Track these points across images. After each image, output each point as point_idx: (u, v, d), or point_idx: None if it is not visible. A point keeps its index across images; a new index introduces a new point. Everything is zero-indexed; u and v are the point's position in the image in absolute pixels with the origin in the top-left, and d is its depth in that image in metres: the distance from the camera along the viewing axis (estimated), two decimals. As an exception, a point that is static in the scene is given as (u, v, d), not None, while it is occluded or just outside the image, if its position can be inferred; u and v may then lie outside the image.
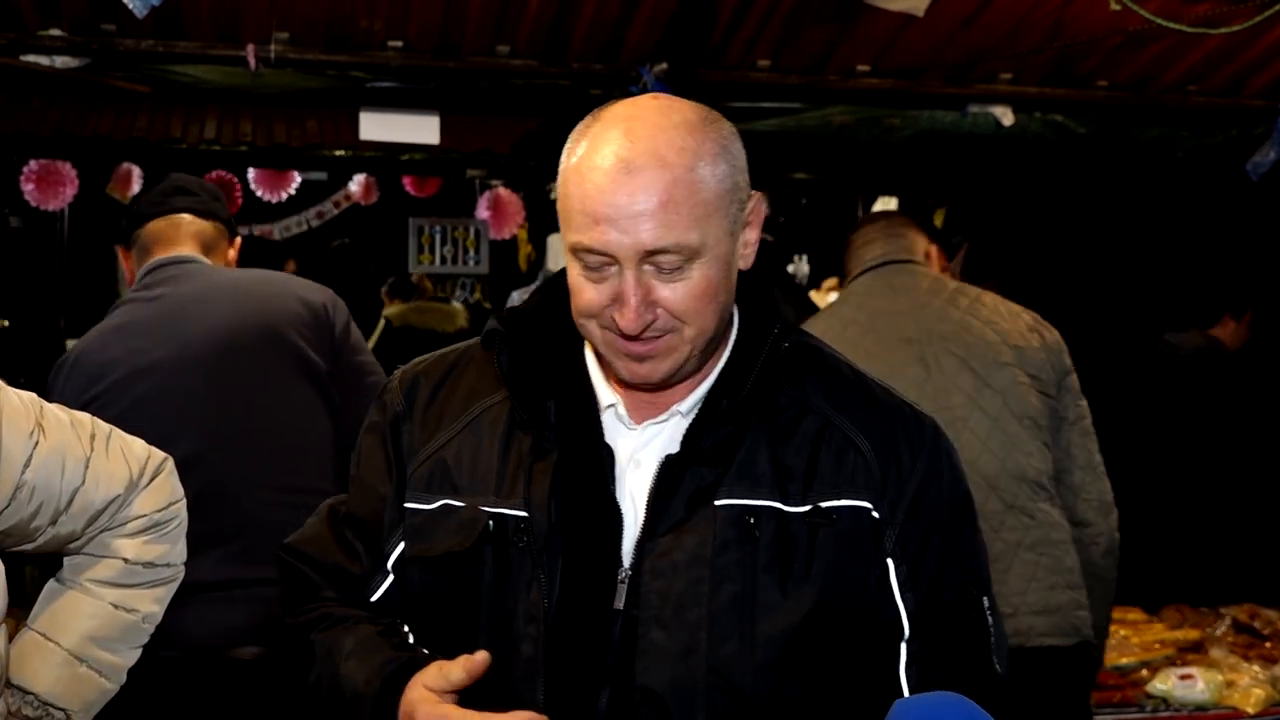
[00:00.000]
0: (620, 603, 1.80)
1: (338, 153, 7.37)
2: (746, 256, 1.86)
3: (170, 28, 5.24)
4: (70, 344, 3.97)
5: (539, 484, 1.84)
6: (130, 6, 4.66)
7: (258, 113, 7.33)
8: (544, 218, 9.95)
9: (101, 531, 2.24)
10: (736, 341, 1.92)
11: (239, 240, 3.63)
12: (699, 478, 1.82)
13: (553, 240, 10.32)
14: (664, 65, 5.51)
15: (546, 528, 1.82)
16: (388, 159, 7.40)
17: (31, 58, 5.30)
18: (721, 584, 1.78)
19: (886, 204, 9.36)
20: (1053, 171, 6.97)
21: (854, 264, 4.27)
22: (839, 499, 1.83)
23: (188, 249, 3.45)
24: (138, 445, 2.31)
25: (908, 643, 1.84)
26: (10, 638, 2.10)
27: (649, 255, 1.74)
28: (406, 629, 1.95)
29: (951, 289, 3.92)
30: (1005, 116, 6.14)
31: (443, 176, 9.24)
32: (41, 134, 7.05)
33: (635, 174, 1.72)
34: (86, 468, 2.16)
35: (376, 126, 5.94)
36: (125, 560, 2.26)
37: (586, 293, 1.80)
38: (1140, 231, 8.05)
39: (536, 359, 1.91)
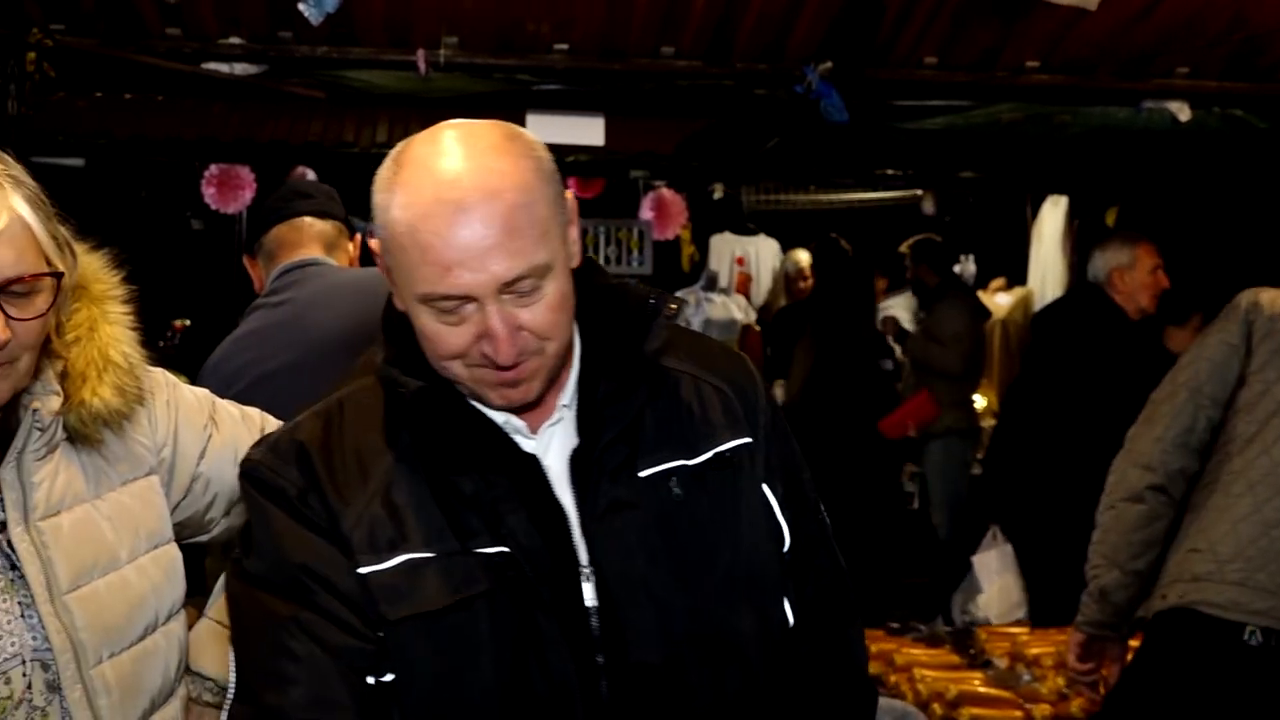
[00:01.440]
0: (590, 599, 1.80)
1: (505, 155, 7.46)
2: (575, 254, 1.84)
3: (344, 34, 5.37)
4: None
5: (509, 514, 1.79)
6: (306, 14, 4.80)
7: (427, 116, 7.40)
8: (707, 218, 9.97)
9: None
10: (582, 326, 1.93)
11: (359, 237, 3.66)
12: (613, 458, 1.85)
13: (715, 241, 10.34)
14: (829, 64, 5.48)
15: (534, 553, 1.79)
16: (554, 160, 7.46)
17: (212, 65, 5.48)
18: (672, 545, 1.84)
19: (1056, 203, 9.18)
20: (1232, 168, 6.77)
21: None
22: (730, 440, 1.93)
23: (312, 251, 3.48)
24: None
25: (785, 557, 1.99)
26: (189, 626, 2.18)
27: (506, 286, 1.70)
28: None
29: None
30: (1182, 112, 5.98)
31: (606, 178, 9.30)
32: (222, 139, 7.27)
33: (470, 211, 1.68)
34: None
35: (542, 129, 6.00)
36: None
37: (448, 338, 1.75)
38: (1325, 230, 7.77)
39: (435, 413, 1.82)
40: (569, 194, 1.84)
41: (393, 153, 1.80)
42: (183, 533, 2.14)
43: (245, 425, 2.24)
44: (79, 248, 1.97)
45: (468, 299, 1.71)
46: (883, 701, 3.71)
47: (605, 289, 1.94)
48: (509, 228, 1.69)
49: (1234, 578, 3.15)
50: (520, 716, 1.79)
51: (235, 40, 5.42)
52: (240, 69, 5.51)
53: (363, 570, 1.79)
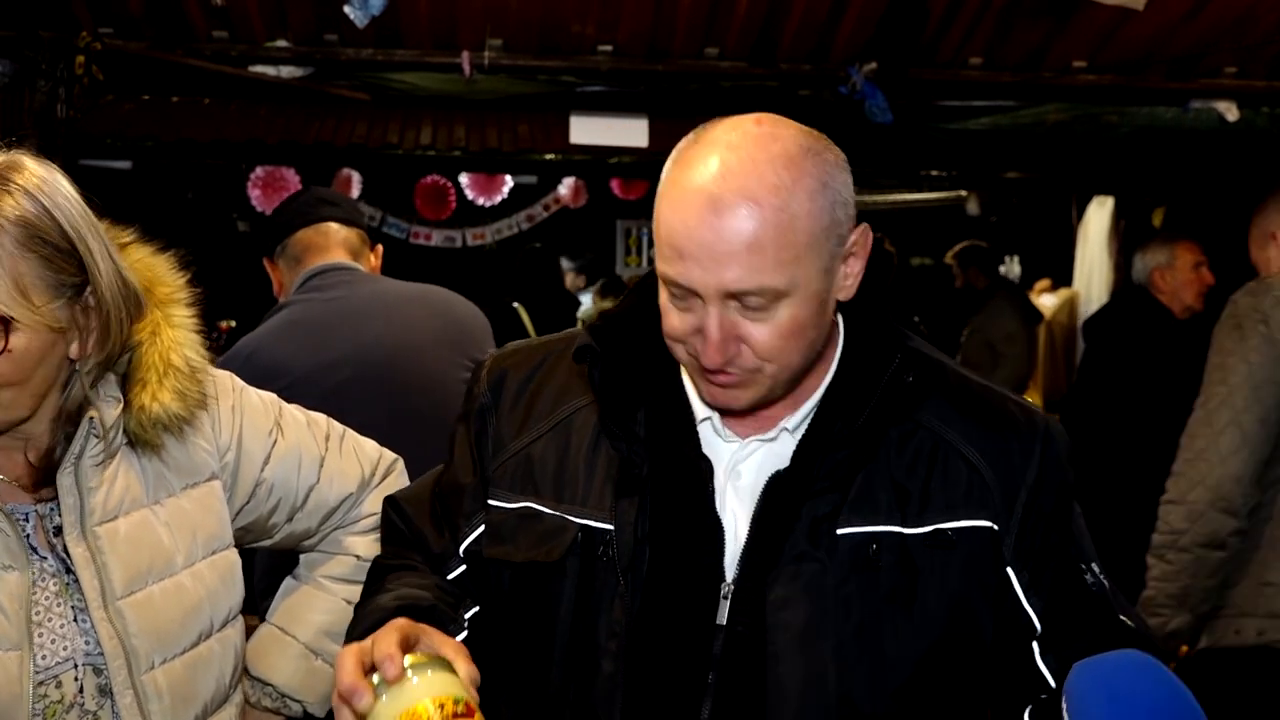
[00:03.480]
0: (723, 618, 1.75)
1: (548, 156, 7.48)
2: (847, 288, 1.75)
3: (389, 37, 5.40)
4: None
5: (627, 497, 1.78)
6: (352, 16, 4.82)
7: (471, 118, 7.49)
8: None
9: (335, 529, 2.31)
10: (844, 358, 1.84)
11: (380, 248, 3.68)
12: (818, 506, 1.74)
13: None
14: (873, 65, 5.46)
15: (633, 542, 1.76)
16: (597, 162, 7.48)
17: (259, 68, 5.52)
18: (848, 615, 1.71)
19: (1103, 204, 9.11)
20: (1281, 168, 6.70)
21: None
22: (959, 520, 1.76)
23: (340, 256, 3.46)
24: (369, 445, 2.37)
25: (1039, 639, 1.79)
26: (248, 632, 2.19)
27: (732, 295, 1.65)
28: (468, 613, 1.91)
29: None
30: (1230, 112, 5.92)
31: (650, 179, 9.31)
32: (268, 141, 7.32)
33: (722, 212, 1.62)
34: (321, 466, 2.23)
35: (587, 130, 6.02)
36: (357, 557, 2.31)
37: (672, 318, 1.73)
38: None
39: (629, 371, 1.83)
40: (862, 228, 1.75)
41: (701, 127, 1.75)
42: (245, 538, 2.15)
43: (311, 431, 2.24)
44: (141, 250, 1.98)
45: (694, 292, 1.67)
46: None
47: (893, 337, 1.84)
48: (754, 242, 1.62)
49: None
50: (567, 700, 1.78)
51: (281, 43, 5.45)
52: (286, 72, 5.54)
53: (491, 502, 1.88)
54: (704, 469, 1.79)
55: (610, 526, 1.78)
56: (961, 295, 8.64)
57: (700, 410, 1.82)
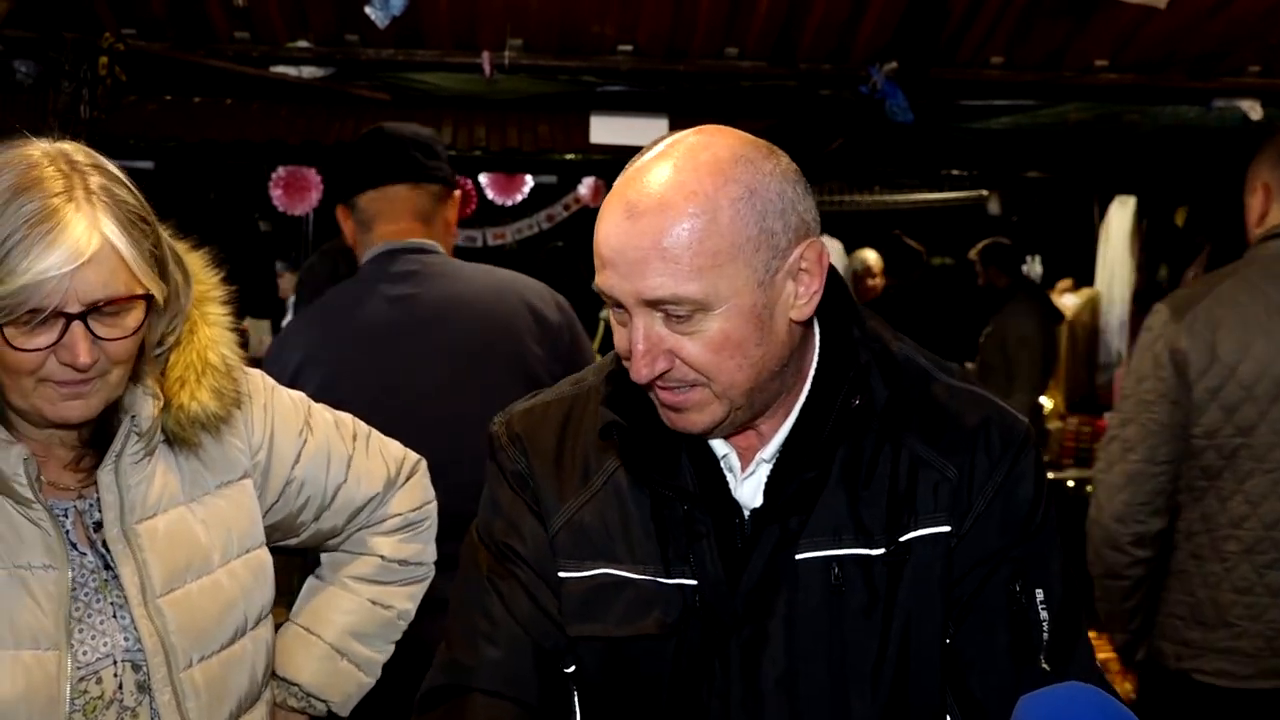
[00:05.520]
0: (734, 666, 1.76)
1: (568, 156, 7.49)
2: (800, 307, 1.69)
3: (409, 37, 5.41)
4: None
5: (704, 551, 1.74)
6: (373, 17, 4.83)
7: (491, 118, 7.51)
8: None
9: (360, 529, 2.32)
10: (819, 372, 1.79)
11: (458, 195, 3.50)
12: (779, 531, 1.73)
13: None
14: (894, 64, 5.45)
15: (722, 597, 1.73)
16: (617, 162, 7.46)
17: (280, 69, 5.53)
18: (816, 639, 1.72)
19: (1125, 204, 9.08)
20: (1305, 168, 6.66)
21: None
22: (918, 528, 1.74)
23: (413, 230, 3.33)
24: (394, 446, 2.38)
25: (945, 650, 1.77)
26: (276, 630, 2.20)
27: (652, 304, 1.62)
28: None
29: None
30: (1254, 110, 5.88)
31: (671, 179, 9.30)
32: (289, 142, 7.34)
33: (637, 219, 1.60)
34: (349, 466, 2.24)
35: (607, 130, 6.01)
36: (382, 558, 2.33)
37: (618, 335, 1.71)
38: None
39: (655, 433, 1.77)
40: (810, 243, 1.68)
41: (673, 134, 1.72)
42: (273, 536, 2.16)
43: (339, 431, 2.26)
44: (181, 247, 1.98)
45: (619, 303, 1.65)
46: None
47: (846, 346, 1.79)
48: (666, 246, 1.59)
49: None
50: None
51: (303, 44, 5.46)
52: (307, 72, 5.55)
53: (561, 575, 1.81)
54: (737, 512, 1.78)
55: (694, 582, 1.75)
56: (983, 294, 8.63)
57: (719, 449, 1.80)
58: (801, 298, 1.69)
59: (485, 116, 7.47)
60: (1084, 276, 9.67)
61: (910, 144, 6.47)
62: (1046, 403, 8.25)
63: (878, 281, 9.13)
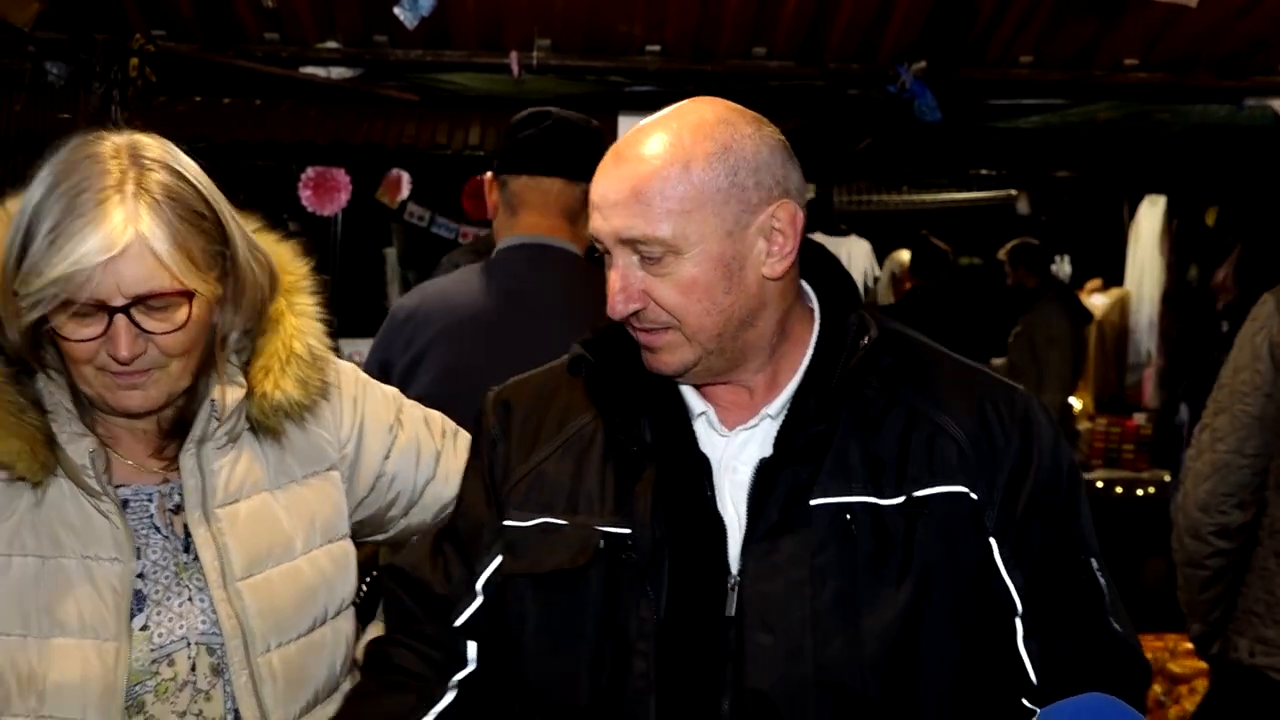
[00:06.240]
0: (731, 610, 1.77)
1: (596, 156, 7.50)
2: (771, 265, 1.79)
3: (437, 38, 5.42)
4: (345, 344, 3.82)
5: (641, 500, 1.82)
6: (401, 18, 4.85)
7: (519, 119, 7.52)
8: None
9: None
10: (819, 340, 1.89)
11: None
12: (792, 478, 1.79)
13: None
14: (922, 64, 5.44)
15: (652, 543, 1.79)
16: (644, 161, 7.48)
17: (309, 70, 5.56)
18: (823, 583, 1.75)
19: (1154, 203, 9.04)
20: (1338, 167, 6.62)
21: None
22: (933, 486, 1.79)
23: (555, 228, 3.20)
24: None
25: (1022, 617, 1.79)
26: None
27: (627, 244, 1.76)
28: (459, 676, 1.93)
29: None
30: (1285, 109, 5.86)
31: (698, 178, 9.31)
32: (318, 142, 7.38)
33: (620, 164, 1.77)
34: (438, 462, 2.24)
35: (634, 130, 6.01)
36: None
37: (609, 280, 1.82)
38: None
39: (624, 377, 1.90)
40: (782, 204, 1.78)
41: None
42: (362, 530, 2.17)
43: (429, 428, 2.26)
44: (267, 238, 2.01)
45: (607, 248, 1.79)
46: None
47: (850, 305, 1.91)
48: (639, 188, 1.74)
49: None
50: (601, 705, 1.79)
51: (331, 44, 5.49)
52: (336, 73, 5.58)
53: (507, 523, 1.91)
54: (701, 464, 1.84)
55: (628, 531, 1.81)
56: (1012, 294, 8.61)
57: (695, 406, 1.88)
58: (774, 255, 1.79)
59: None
60: (1113, 276, 9.63)
61: (939, 143, 6.47)
62: (1076, 403, 8.22)
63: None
